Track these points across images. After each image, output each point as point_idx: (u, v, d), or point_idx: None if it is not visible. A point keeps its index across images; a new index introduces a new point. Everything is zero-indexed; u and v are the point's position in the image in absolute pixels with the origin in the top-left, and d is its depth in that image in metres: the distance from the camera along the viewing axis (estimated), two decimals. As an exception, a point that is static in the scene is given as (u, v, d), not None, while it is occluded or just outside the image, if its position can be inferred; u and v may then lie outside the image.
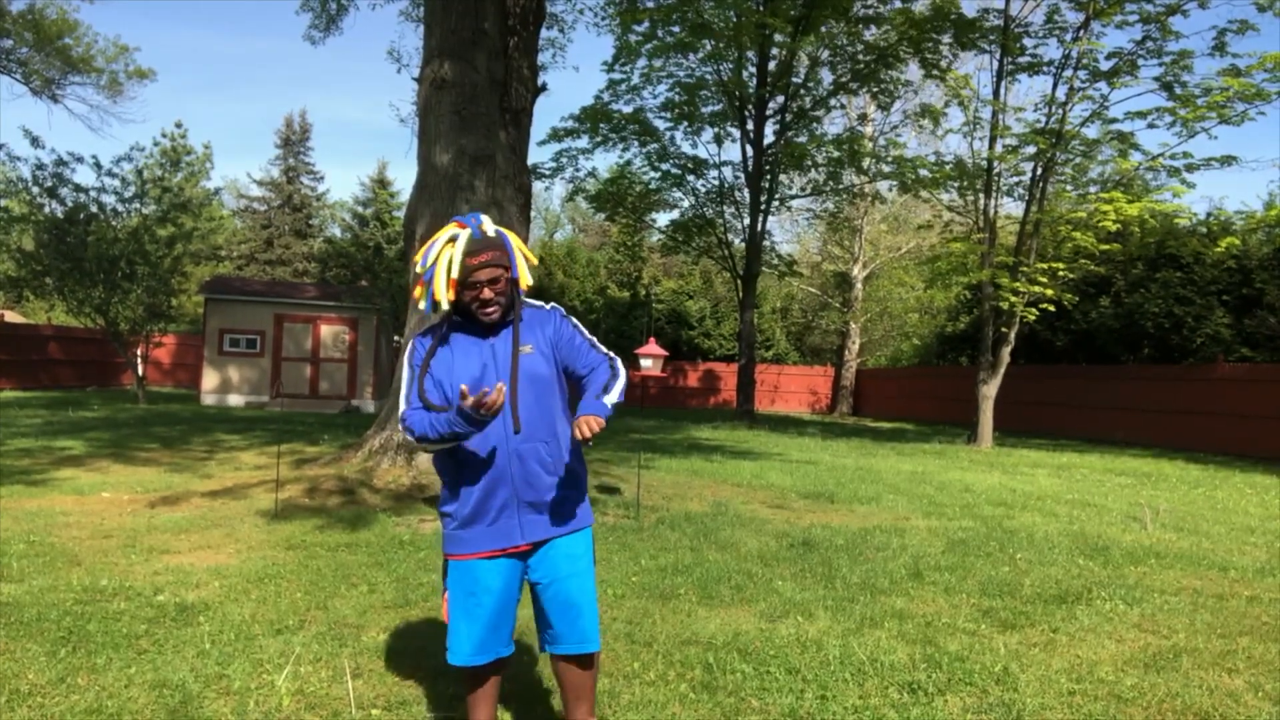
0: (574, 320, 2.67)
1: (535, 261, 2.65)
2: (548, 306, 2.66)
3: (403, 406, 2.50)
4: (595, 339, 2.67)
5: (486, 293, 2.43)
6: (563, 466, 2.52)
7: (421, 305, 2.48)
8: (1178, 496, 9.89)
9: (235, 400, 20.64)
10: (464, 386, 2.27)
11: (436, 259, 2.44)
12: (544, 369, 2.53)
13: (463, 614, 2.51)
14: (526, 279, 2.54)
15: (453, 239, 2.44)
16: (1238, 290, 19.09)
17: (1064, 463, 13.67)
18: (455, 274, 2.40)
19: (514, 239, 2.54)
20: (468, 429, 2.32)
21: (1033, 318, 17.64)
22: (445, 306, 2.44)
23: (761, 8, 19.33)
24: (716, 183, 24.20)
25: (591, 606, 2.55)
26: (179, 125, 24.48)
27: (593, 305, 33.41)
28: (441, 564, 2.54)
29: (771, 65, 21.97)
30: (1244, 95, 15.38)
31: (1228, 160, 16.28)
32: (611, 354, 2.65)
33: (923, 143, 29.47)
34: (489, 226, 2.49)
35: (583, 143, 23.02)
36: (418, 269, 2.51)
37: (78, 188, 19.70)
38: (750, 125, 22.17)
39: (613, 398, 2.48)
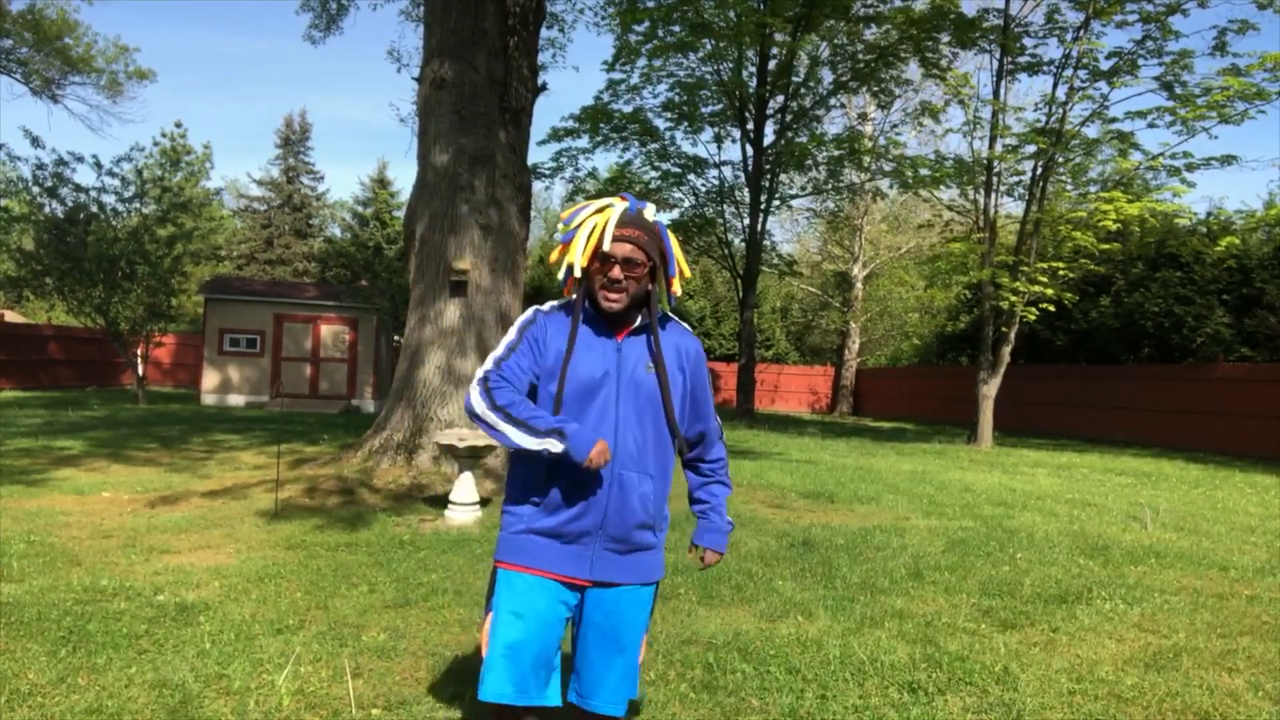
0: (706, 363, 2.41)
1: (689, 275, 2.36)
2: (691, 331, 2.38)
3: (489, 366, 2.20)
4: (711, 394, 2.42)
5: (617, 272, 2.14)
6: (659, 507, 2.26)
7: (560, 274, 2.23)
8: (1178, 496, 9.88)
9: (235, 400, 20.64)
10: (604, 443, 2.07)
11: (582, 224, 2.20)
12: (670, 393, 2.23)
13: (505, 640, 2.13)
14: (676, 285, 2.26)
15: (605, 208, 2.21)
16: (1238, 290, 19.09)
17: (1064, 462, 13.67)
18: (606, 244, 2.14)
19: (675, 240, 2.29)
20: (558, 460, 2.10)
21: (1033, 317, 17.63)
22: (578, 273, 2.17)
23: (762, 7, 19.33)
24: (716, 182, 24.23)
25: (635, 663, 2.26)
26: (179, 125, 24.47)
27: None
28: (490, 578, 2.25)
29: (771, 65, 21.98)
30: (1244, 95, 15.38)
31: (1228, 160, 16.29)
32: (720, 425, 2.47)
33: (923, 142, 29.52)
34: (650, 212, 2.24)
35: (583, 142, 23.06)
36: (559, 228, 2.27)
37: (78, 188, 19.69)
38: (750, 125, 22.17)
39: (728, 516, 2.47)
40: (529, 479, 2.19)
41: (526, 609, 2.14)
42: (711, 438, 2.43)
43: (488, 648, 2.16)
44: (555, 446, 2.05)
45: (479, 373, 2.20)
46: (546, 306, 2.30)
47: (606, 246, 2.13)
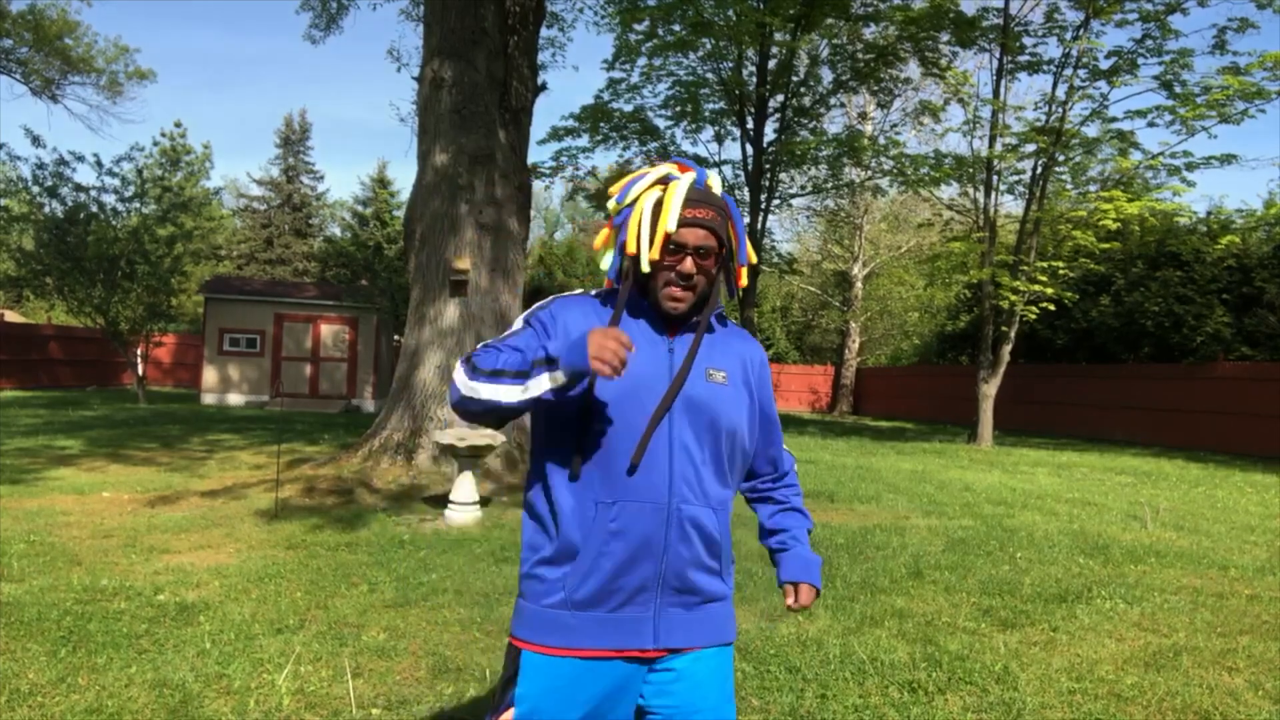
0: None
1: (755, 260, 1.88)
2: (752, 335, 1.92)
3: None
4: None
5: (689, 264, 1.65)
6: (725, 546, 1.80)
7: (604, 263, 1.76)
8: (1178, 495, 9.88)
9: (235, 400, 20.64)
10: (609, 333, 1.49)
11: (638, 199, 1.69)
12: (736, 410, 1.75)
13: None
14: (744, 274, 1.77)
15: (665, 179, 1.70)
16: (1238, 289, 19.08)
17: (1064, 461, 13.67)
18: (670, 225, 1.63)
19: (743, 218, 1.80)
20: (562, 377, 1.52)
21: (1033, 316, 17.63)
22: (646, 266, 1.65)
23: (761, 6, 19.33)
24: (716, 181, 24.20)
25: None
26: (178, 125, 24.35)
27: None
28: (507, 656, 1.70)
29: (771, 63, 21.98)
30: (1244, 94, 15.36)
31: (1228, 159, 16.27)
32: (788, 451, 2.00)
33: (923, 141, 29.45)
34: (717, 183, 1.74)
35: (583, 141, 23.05)
36: (610, 206, 1.75)
37: (78, 187, 19.71)
38: (750, 123, 22.18)
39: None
40: (555, 523, 1.65)
41: (570, 698, 1.61)
42: (784, 464, 1.99)
43: None
44: (553, 381, 1.53)
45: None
46: (568, 294, 1.79)
47: (674, 230, 1.64)
